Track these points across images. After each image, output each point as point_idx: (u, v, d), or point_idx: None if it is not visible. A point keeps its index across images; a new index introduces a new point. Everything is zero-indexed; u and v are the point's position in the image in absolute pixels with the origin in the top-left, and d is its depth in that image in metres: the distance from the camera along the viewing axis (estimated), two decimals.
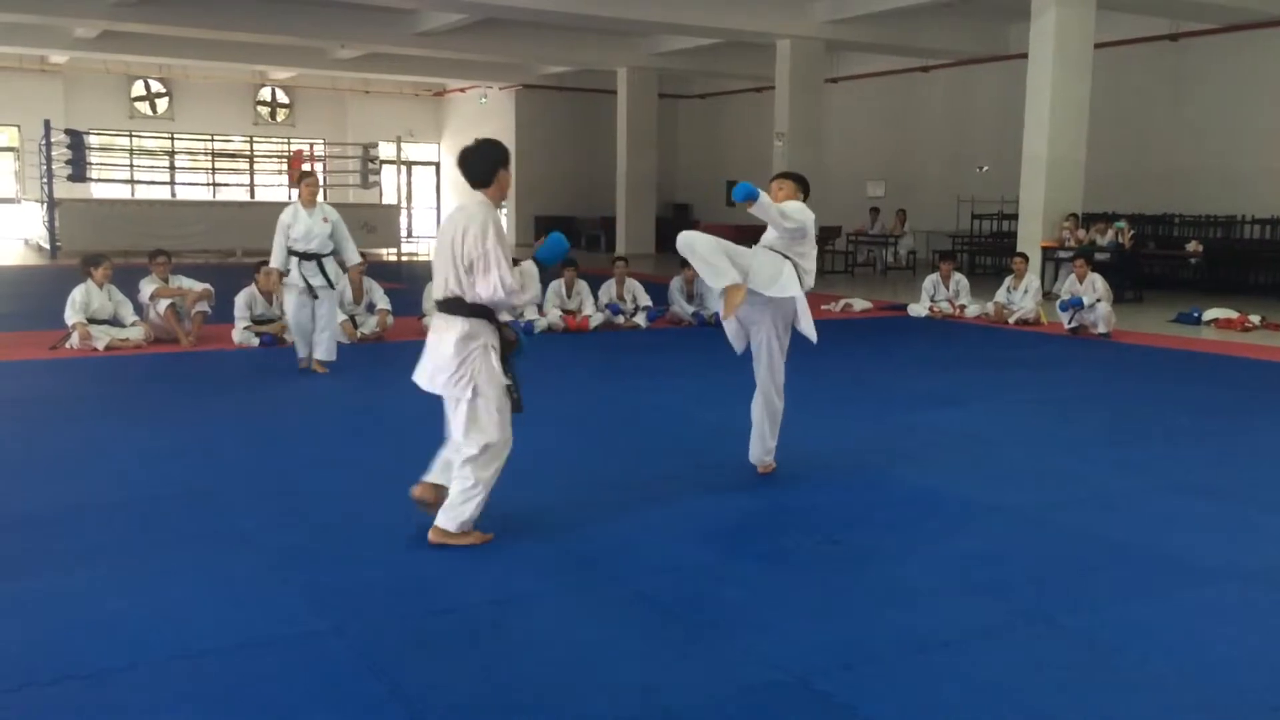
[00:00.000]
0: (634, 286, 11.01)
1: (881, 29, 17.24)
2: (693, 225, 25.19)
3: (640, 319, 10.75)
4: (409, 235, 23.92)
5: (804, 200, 5.21)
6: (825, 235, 18.60)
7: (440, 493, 4.15)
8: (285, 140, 26.80)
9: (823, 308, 12.63)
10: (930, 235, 19.35)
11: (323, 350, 7.77)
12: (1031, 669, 3.12)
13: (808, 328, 5.11)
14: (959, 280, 12.28)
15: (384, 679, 2.94)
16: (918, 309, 12.01)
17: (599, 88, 24.60)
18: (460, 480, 4.01)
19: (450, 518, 4.01)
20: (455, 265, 3.96)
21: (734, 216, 24.77)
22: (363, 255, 9.57)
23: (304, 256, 7.61)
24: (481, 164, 4.11)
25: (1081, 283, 10.65)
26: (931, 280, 12.29)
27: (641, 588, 3.66)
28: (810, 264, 5.13)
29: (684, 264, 11.29)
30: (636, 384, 7.84)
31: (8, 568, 3.72)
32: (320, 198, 7.90)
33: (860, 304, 12.67)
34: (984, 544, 4.24)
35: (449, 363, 3.97)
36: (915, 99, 21.02)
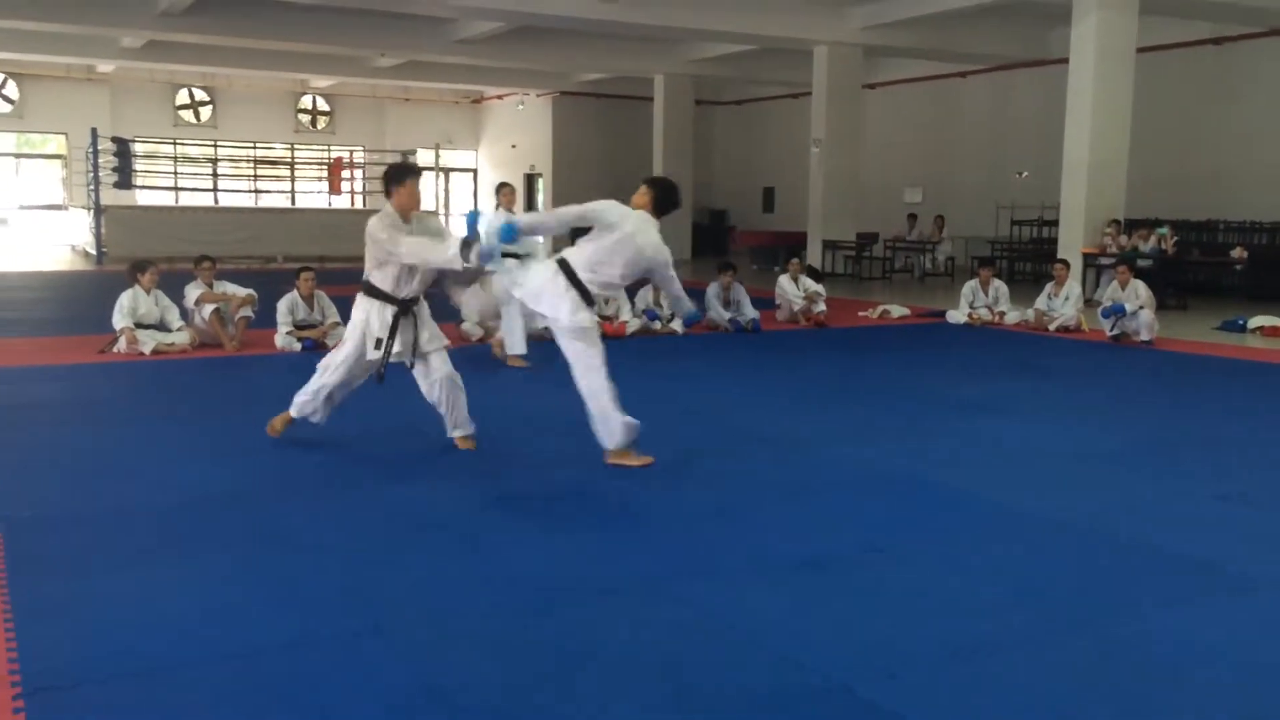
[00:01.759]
0: None
1: (920, 34, 17.18)
2: (728, 232, 25.24)
3: (677, 325, 10.76)
4: None
5: (653, 208, 5.31)
6: (863, 241, 18.57)
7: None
8: (325, 147, 27.09)
9: (860, 314, 12.60)
10: (969, 241, 19.21)
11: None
12: (1076, 678, 3.10)
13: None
14: (998, 287, 12.19)
15: (423, 679, 2.97)
16: (956, 316, 11.94)
17: (635, 94, 24.67)
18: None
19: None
20: (367, 259, 5.37)
21: (771, 223, 24.77)
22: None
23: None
24: (385, 181, 5.41)
25: (1124, 289, 10.54)
26: (971, 287, 12.21)
27: (678, 592, 3.67)
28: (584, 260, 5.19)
29: (721, 270, 11.32)
30: (673, 389, 7.86)
31: (59, 567, 3.80)
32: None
33: (898, 310, 12.61)
34: (1026, 551, 4.21)
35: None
36: (953, 104, 20.91)
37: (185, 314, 9.14)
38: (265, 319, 9.40)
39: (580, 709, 2.83)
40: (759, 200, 26.06)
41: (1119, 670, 3.16)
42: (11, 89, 24.40)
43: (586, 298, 5.16)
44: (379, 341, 5.30)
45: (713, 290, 11.20)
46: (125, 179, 20.60)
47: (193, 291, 9.17)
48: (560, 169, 26.58)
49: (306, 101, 28.04)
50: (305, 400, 5.63)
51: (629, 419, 5.23)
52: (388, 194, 5.33)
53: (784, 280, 11.92)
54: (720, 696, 2.93)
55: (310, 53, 21.55)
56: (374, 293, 5.35)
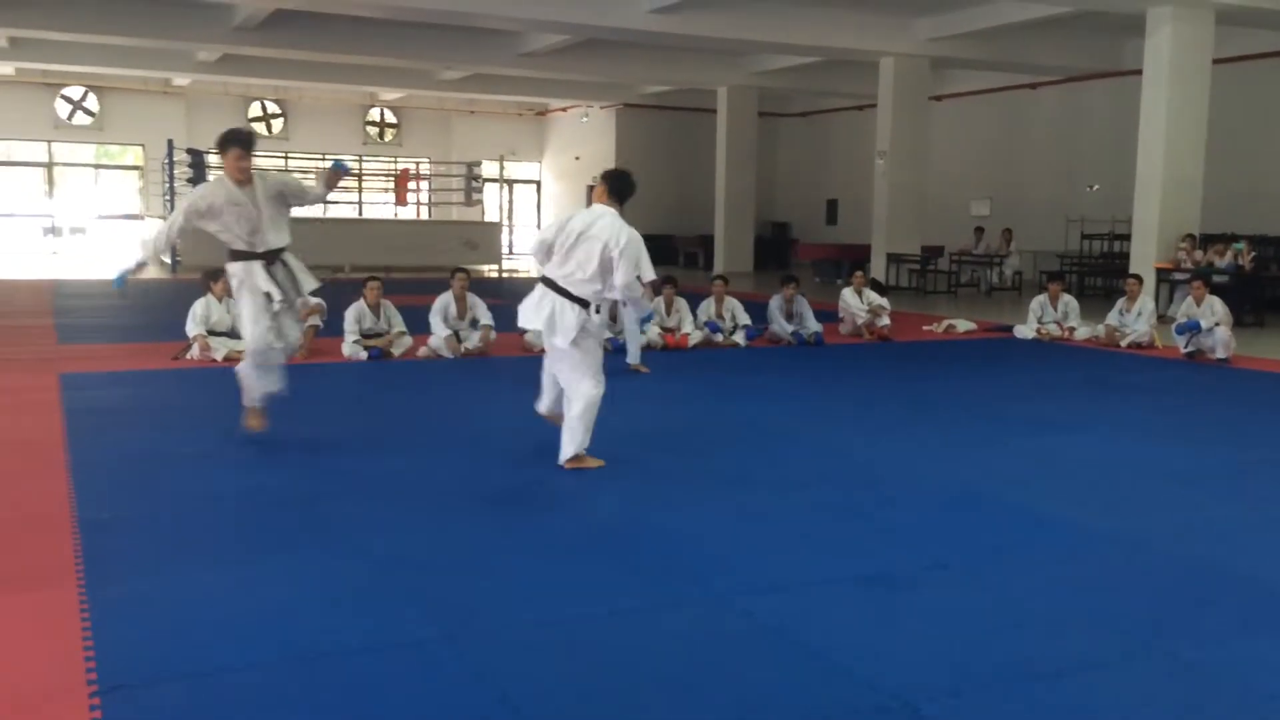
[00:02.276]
0: (733, 305, 11.00)
1: (988, 46, 16.97)
2: (791, 244, 25.12)
3: (739, 337, 10.73)
4: (510, 252, 24.34)
5: (619, 204, 5.55)
6: (928, 255, 18.36)
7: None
8: (393, 159, 27.51)
9: (924, 328, 12.45)
10: (1037, 255, 18.90)
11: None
12: (1149, 702, 3.02)
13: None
14: (1068, 301, 11.97)
15: (492, 688, 2.99)
16: (1024, 330, 11.74)
17: (699, 106, 24.69)
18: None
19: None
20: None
21: (835, 235, 24.60)
22: (465, 271, 9.90)
23: None
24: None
25: (1199, 305, 10.28)
26: (1039, 301, 12.00)
27: (745, 606, 3.65)
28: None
29: (784, 282, 11.27)
30: (735, 402, 7.83)
31: (134, 567, 3.89)
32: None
33: (964, 325, 12.44)
34: (1096, 572, 4.12)
35: None
36: (1022, 116, 20.61)
37: None
38: (333, 327, 9.55)
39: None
40: (822, 213, 25.91)
41: (1194, 696, 3.07)
42: (92, 102, 25.13)
43: (584, 306, 5.39)
44: (267, 295, 5.80)
45: (775, 303, 11.15)
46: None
47: None
48: None
49: (375, 114, 28.50)
50: (250, 384, 5.97)
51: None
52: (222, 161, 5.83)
53: (847, 293, 11.82)
54: (785, 712, 2.90)
55: (379, 66, 21.90)
56: (231, 254, 5.86)
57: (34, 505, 4.66)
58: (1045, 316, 11.85)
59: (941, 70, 19.70)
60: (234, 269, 5.85)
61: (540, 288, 5.52)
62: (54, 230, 25.26)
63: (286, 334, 6.00)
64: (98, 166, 26.61)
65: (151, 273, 19.78)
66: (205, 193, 5.80)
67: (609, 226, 5.41)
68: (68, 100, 24.92)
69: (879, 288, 12.69)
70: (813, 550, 4.30)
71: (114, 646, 3.15)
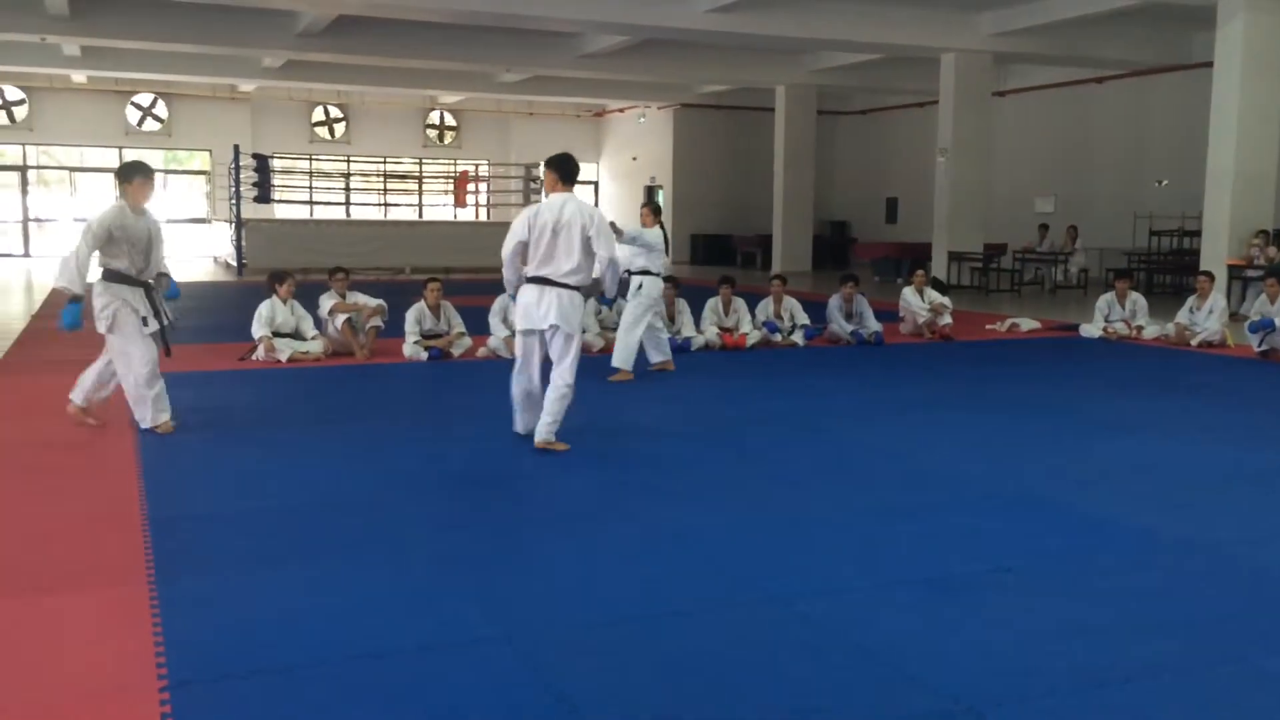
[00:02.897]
0: (791, 304, 10.94)
1: (1053, 40, 16.68)
2: (850, 243, 24.92)
3: (798, 337, 10.67)
4: None
5: (570, 187, 5.83)
6: (990, 253, 18.09)
7: None
8: (452, 161, 27.77)
9: (987, 327, 12.27)
10: (1103, 253, 18.53)
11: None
12: (1220, 711, 2.94)
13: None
14: (1136, 299, 11.72)
15: (551, 688, 3.00)
16: (1090, 329, 11.51)
17: (757, 105, 24.60)
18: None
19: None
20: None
21: (894, 234, 24.35)
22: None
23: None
24: (117, 177, 6.18)
25: (1273, 303, 10.00)
26: (1106, 299, 11.76)
27: (803, 610, 3.62)
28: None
29: (843, 281, 11.17)
30: (793, 402, 7.77)
31: (201, 565, 3.96)
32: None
33: (1028, 324, 12.23)
34: (1166, 578, 4.03)
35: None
36: (1088, 111, 20.20)
37: (319, 323, 9.48)
38: (394, 328, 9.67)
39: None
40: (881, 211, 25.66)
41: (1267, 705, 2.99)
42: (161, 108, 25.72)
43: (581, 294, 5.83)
44: (145, 320, 6.06)
45: (834, 302, 11.06)
46: (264, 194, 21.50)
47: (327, 301, 9.50)
48: (681, 181, 26.68)
49: (434, 117, 28.80)
50: (152, 409, 6.13)
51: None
52: (122, 190, 6.09)
53: (908, 292, 11.69)
54: (846, 716, 2.87)
55: (439, 69, 22.14)
56: (113, 277, 6.02)
57: (106, 503, 4.77)
58: (1112, 315, 11.61)
59: (1004, 65, 19.40)
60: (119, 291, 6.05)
61: (534, 288, 5.75)
62: None
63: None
64: (166, 171, 27.22)
65: (219, 275, 20.23)
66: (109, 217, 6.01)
67: (578, 210, 5.76)
68: (138, 107, 25.52)
69: (940, 286, 12.53)
70: (872, 552, 4.26)
71: (183, 642, 3.21)
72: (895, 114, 25.02)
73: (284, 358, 8.96)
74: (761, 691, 3.01)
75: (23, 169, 25.32)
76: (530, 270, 5.77)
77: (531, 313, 5.75)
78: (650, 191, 27.58)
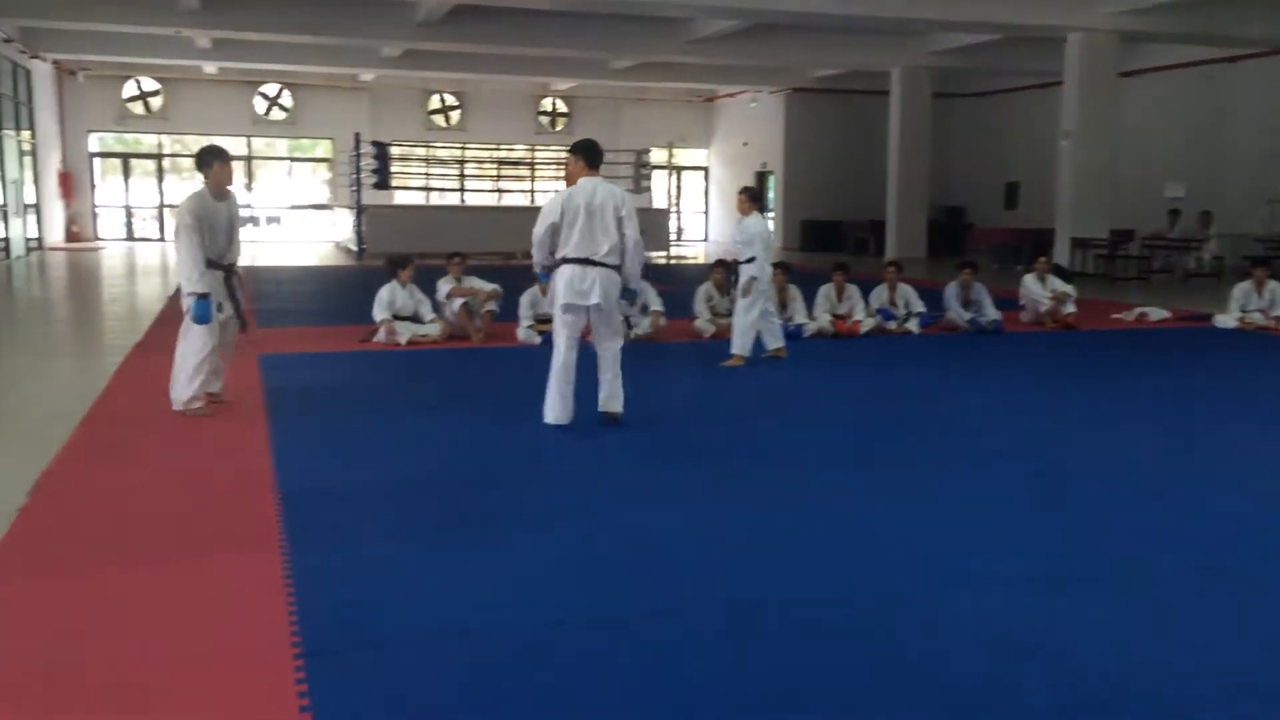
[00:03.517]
0: (906, 291, 10.74)
1: (1184, 18, 15.95)
2: (967, 229, 24.30)
3: (913, 325, 10.46)
4: (678, 239, 24.45)
5: (596, 171, 6.06)
6: (1116, 239, 17.44)
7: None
8: (563, 148, 27.96)
9: (1113, 317, 11.85)
10: (1238, 239, 17.67)
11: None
12: None
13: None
14: (1275, 289, 11.15)
15: (666, 671, 3.01)
16: (1225, 320, 11.01)
17: (870, 89, 24.16)
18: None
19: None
20: None
21: (1014, 220, 23.66)
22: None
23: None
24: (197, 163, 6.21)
25: None
26: (1243, 289, 11.23)
27: (952, 600, 3.55)
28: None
29: (961, 267, 10.91)
30: (912, 392, 7.64)
31: (332, 538, 4.09)
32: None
33: (1158, 314, 11.76)
34: None
35: None
36: (1222, 92, 19.27)
37: (436, 307, 9.68)
38: (508, 313, 9.81)
39: (875, 713, 2.80)
40: (1000, 196, 24.95)
41: None
42: (286, 98, 26.57)
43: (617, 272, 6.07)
44: (220, 305, 6.16)
45: (951, 290, 10.82)
46: (383, 180, 22.03)
47: (444, 286, 9.69)
48: (792, 166, 26.40)
49: (547, 104, 29.09)
50: (190, 390, 6.20)
51: None
52: (205, 175, 6.15)
53: (1029, 279, 11.34)
54: (1011, 710, 2.82)
55: (552, 57, 22.32)
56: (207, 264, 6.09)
57: (239, 476, 4.97)
58: (1249, 305, 11.08)
59: (1132, 45, 18.62)
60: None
61: (576, 267, 5.94)
62: (252, 220, 26.86)
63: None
64: (291, 159, 28.12)
65: (340, 260, 20.84)
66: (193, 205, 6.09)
67: (609, 193, 6.03)
68: (264, 97, 26.42)
69: (1063, 274, 12.14)
70: (1021, 546, 4.13)
71: (315, 612, 3.32)
72: (1015, 96, 24.29)
73: (403, 340, 9.18)
74: (928, 681, 2.96)
75: (158, 157, 26.46)
76: (569, 253, 5.96)
77: (576, 288, 5.94)
78: (761, 178, 27.37)
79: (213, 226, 6.09)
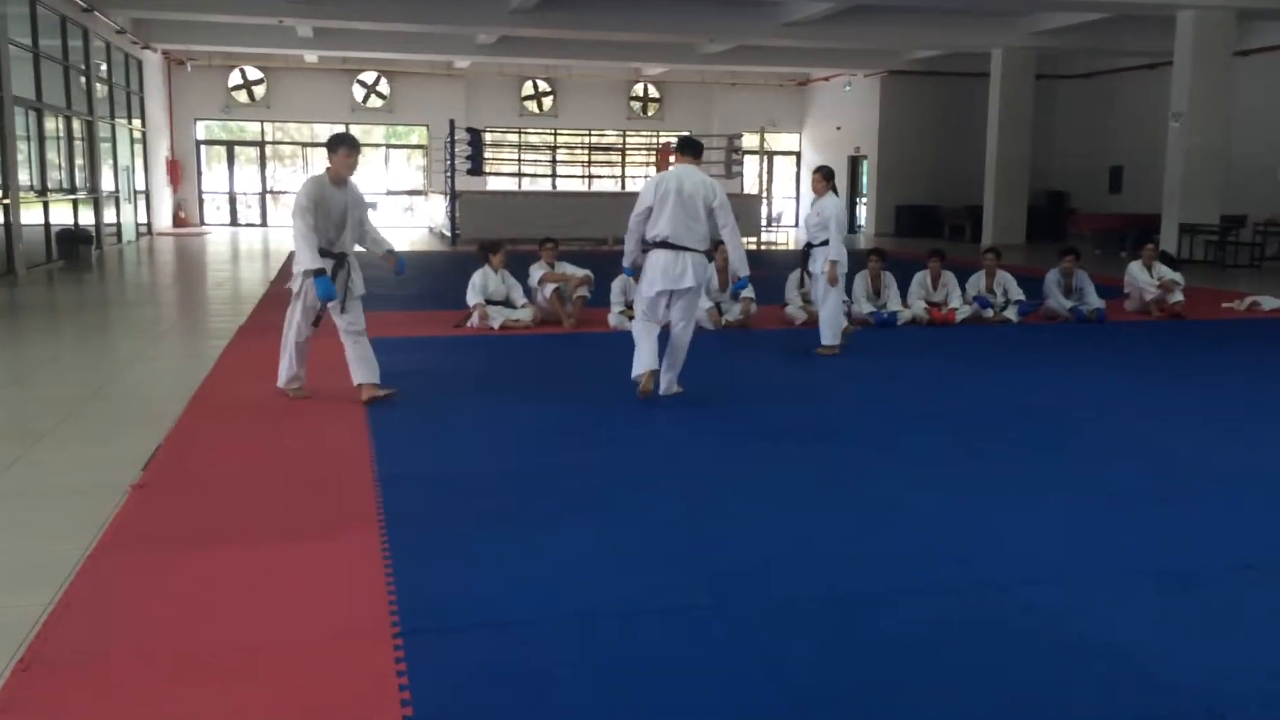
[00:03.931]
0: (1005, 279, 10.49)
1: None
2: (1068, 215, 23.62)
3: (1011, 313, 10.22)
4: (769, 224, 24.26)
5: (696, 161, 6.46)
6: (1228, 225, 16.79)
7: None
8: (654, 133, 28.00)
9: (1223, 305, 11.42)
10: None
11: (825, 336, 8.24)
12: None
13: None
14: None
15: (762, 660, 3.00)
16: None
17: (969, 71, 23.63)
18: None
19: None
20: None
21: (1118, 205, 22.93)
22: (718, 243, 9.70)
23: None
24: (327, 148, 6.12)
25: None
26: None
27: (1028, 597, 3.48)
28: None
29: (1063, 254, 10.61)
30: (1007, 380, 7.47)
31: (429, 521, 4.17)
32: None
33: (1270, 303, 11.30)
34: None
35: None
36: None
37: (529, 292, 9.77)
38: (599, 298, 9.86)
39: (925, 710, 2.75)
40: (1104, 180, 24.18)
41: None
42: (384, 85, 27.07)
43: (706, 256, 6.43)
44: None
45: (1052, 276, 10.54)
46: (477, 166, 22.32)
47: (536, 271, 9.78)
48: (886, 150, 25.97)
49: (638, 89, 29.10)
50: (283, 370, 6.38)
51: None
52: (330, 160, 6.09)
53: (1135, 267, 10.97)
54: (1075, 710, 2.75)
55: (644, 42, 22.33)
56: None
57: (340, 459, 5.09)
58: None
59: (1249, 22, 17.85)
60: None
61: (668, 252, 6.26)
62: (371, 206, 27.49)
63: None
64: (388, 146, 28.65)
65: (434, 245, 21.19)
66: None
67: (701, 182, 6.30)
68: (363, 85, 26.95)
69: (1170, 261, 11.72)
70: (1100, 541, 4.04)
71: (413, 592, 3.39)
72: (1122, 76, 23.49)
73: (496, 325, 9.30)
74: (978, 675, 2.92)
75: (261, 144, 27.21)
76: (657, 235, 6.27)
77: (670, 273, 6.28)
78: (855, 163, 26.99)
79: (327, 213, 6.01)
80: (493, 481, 4.76)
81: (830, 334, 8.23)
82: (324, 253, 6.05)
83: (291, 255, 6.36)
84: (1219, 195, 16.82)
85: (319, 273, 5.94)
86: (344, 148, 6.05)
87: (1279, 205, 17.85)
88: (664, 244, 6.25)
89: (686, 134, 6.71)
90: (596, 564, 3.73)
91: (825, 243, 8.12)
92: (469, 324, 9.44)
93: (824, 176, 8.29)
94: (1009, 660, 3.03)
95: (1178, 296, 10.67)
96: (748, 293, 9.75)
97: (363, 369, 6.28)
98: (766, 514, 4.34)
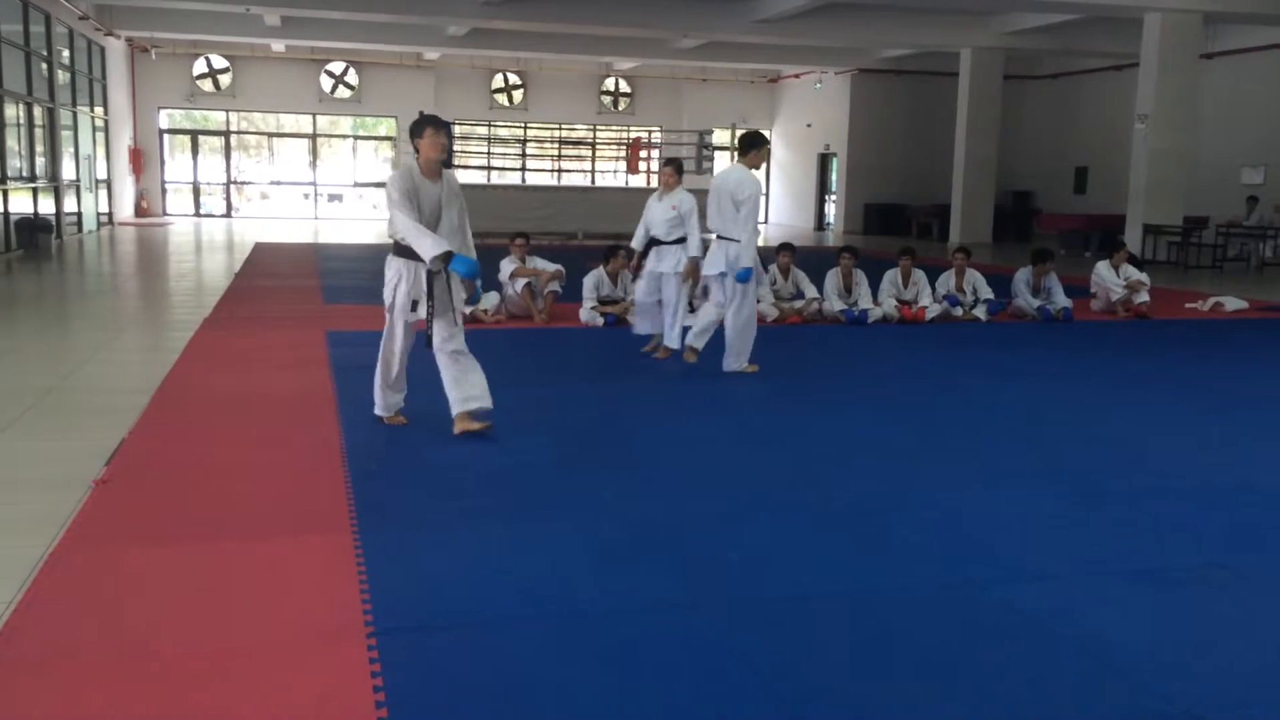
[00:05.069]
0: (974, 278, 10.55)
1: None
2: (1034, 214, 23.84)
3: (980, 312, 10.28)
4: None
5: (743, 158, 7.08)
6: (1190, 226, 17.00)
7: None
8: (625, 128, 27.95)
9: (1187, 306, 11.55)
10: None
11: (669, 337, 7.74)
12: None
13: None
14: None
15: (739, 657, 2.98)
16: None
17: (939, 70, 23.78)
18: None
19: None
20: None
21: (1083, 205, 23.17)
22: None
23: (652, 242, 7.79)
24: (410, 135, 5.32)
25: None
26: None
27: (1005, 595, 3.48)
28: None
29: (1037, 259, 10.64)
30: (979, 381, 7.50)
31: (401, 519, 4.11)
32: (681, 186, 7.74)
33: (1234, 303, 11.44)
34: None
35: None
36: None
37: (499, 286, 9.70)
38: (570, 293, 9.81)
39: (905, 709, 2.74)
40: (1069, 181, 24.43)
41: None
42: (352, 76, 26.81)
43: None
44: (415, 304, 5.20)
45: (1021, 276, 10.62)
46: (447, 159, 22.11)
47: (507, 266, 9.71)
48: (856, 148, 26.09)
49: (609, 84, 29.02)
50: (377, 398, 5.54)
51: None
52: (415, 148, 5.21)
53: (1102, 267, 11.08)
54: (1052, 709, 2.75)
55: (616, 36, 22.28)
56: (403, 251, 5.18)
57: (310, 455, 5.01)
58: None
59: (1214, 25, 18.08)
60: (398, 266, 5.26)
61: (717, 241, 7.10)
62: (315, 196, 27.20)
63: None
64: (356, 137, 28.40)
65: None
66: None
67: (736, 178, 6.94)
68: (331, 75, 26.68)
69: (1135, 261, 11.85)
70: (1073, 539, 4.06)
71: (387, 591, 3.34)
72: (1088, 78, 23.74)
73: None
74: (956, 674, 2.91)
75: (226, 134, 26.87)
76: (707, 228, 7.19)
77: (710, 259, 7.12)
78: (825, 160, 27.04)
79: (421, 208, 5.10)
80: (468, 478, 4.71)
81: (672, 335, 7.68)
82: (415, 254, 5.10)
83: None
84: (1183, 197, 17.02)
85: (448, 256, 5.00)
86: (429, 128, 5.15)
87: (1241, 207, 18.10)
88: (716, 236, 7.06)
89: (747, 131, 7.13)
90: (573, 562, 3.69)
91: (680, 240, 7.55)
92: None
93: (675, 170, 7.82)
94: (991, 659, 3.02)
95: (1143, 297, 10.78)
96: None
97: (460, 393, 5.32)
98: (741, 512, 4.32)
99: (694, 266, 7.45)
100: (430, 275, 5.15)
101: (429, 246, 4.98)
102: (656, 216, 7.66)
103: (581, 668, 2.91)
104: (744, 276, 6.98)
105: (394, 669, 2.82)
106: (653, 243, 7.76)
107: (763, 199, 7.08)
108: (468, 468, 4.87)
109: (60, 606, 3.22)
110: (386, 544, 3.78)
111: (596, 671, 2.89)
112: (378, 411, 5.59)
